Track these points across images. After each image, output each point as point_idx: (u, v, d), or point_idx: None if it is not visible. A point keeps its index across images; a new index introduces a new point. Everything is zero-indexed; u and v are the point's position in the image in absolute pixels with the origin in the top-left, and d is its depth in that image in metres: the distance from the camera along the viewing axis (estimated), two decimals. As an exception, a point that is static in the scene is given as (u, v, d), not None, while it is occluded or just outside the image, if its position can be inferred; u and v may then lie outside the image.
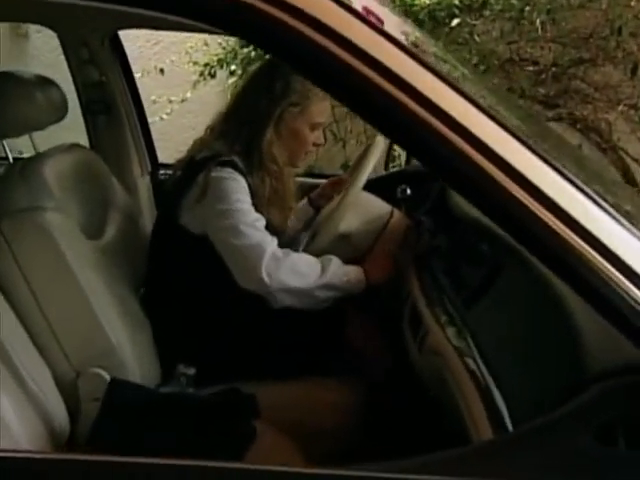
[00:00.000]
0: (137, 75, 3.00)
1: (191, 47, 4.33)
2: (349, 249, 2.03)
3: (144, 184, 2.80)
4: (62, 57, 2.71)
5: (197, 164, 1.95)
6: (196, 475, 0.95)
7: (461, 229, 1.82)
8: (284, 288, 1.86)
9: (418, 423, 1.82)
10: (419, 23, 3.46)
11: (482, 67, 3.66)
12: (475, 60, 3.66)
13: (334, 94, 1.04)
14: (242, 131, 1.99)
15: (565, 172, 0.98)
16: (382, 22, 1.07)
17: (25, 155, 2.37)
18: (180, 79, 4.41)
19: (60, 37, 2.67)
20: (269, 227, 1.93)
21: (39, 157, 1.98)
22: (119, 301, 1.83)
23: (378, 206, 2.16)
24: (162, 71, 4.37)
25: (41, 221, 1.69)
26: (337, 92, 1.01)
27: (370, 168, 2.04)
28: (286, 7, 0.93)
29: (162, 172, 2.86)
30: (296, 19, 0.94)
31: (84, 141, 2.70)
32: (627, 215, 1.02)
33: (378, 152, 2.13)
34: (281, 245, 1.92)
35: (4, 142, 2.53)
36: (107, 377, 1.68)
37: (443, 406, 1.46)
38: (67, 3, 2.08)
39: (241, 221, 1.86)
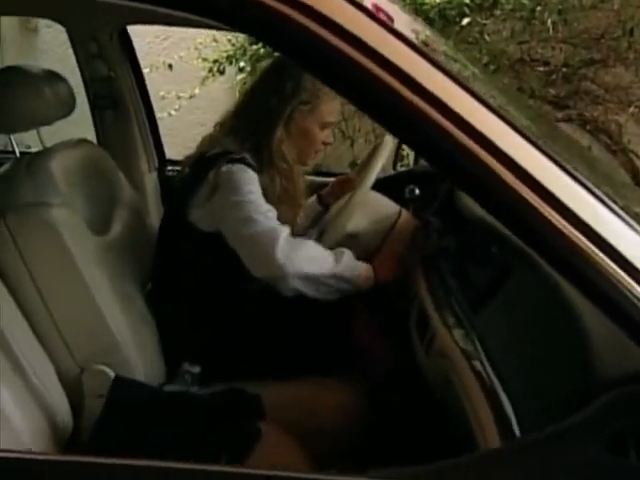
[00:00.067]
0: (145, 70, 2.99)
1: (200, 43, 4.32)
2: (357, 249, 2.02)
3: (151, 180, 2.80)
4: (71, 52, 2.71)
5: (207, 161, 1.94)
6: (198, 478, 0.94)
7: (469, 230, 1.80)
8: (297, 273, 1.83)
9: (423, 425, 1.81)
10: (429, 22, 3.44)
11: (492, 67, 3.65)
12: (485, 60, 3.65)
13: (342, 92, 1.03)
14: (252, 129, 1.99)
15: (575, 173, 0.97)
16: (392, 20, 1.06)
17: (32, 150, 2.36)
18: (189, 75, 4.41)
19: (69, 32, 2.67)
20: (278, 224, 1.92)
21: (46, 152, 1.97)
22: (124, 298, 1.83)
23: (386, 206, 2.15)
24: (171, 67, 4.36)
25: (47, 217, 1.69)
26: (345, 90, 1.00)
27: (379, 167, 2.04)
28: (295, 4, 0.92)
29: (169, 168, 2.86)
30: (305, 16, 0.93)
31: (92, 136, 2.70)
32: (637, 217, 1.00)
33: (387, 151, 2.12)
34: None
35: (11, 136, 2.52)
36: (111, 374, 1.68)
37: (449, 408, 1.45)
38: (76, -2, 2.08)
39: (253, 210, 1.85)
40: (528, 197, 0.93)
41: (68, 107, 1.97)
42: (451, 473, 0.90)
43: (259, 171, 1.94)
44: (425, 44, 1.30)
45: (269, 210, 1.88)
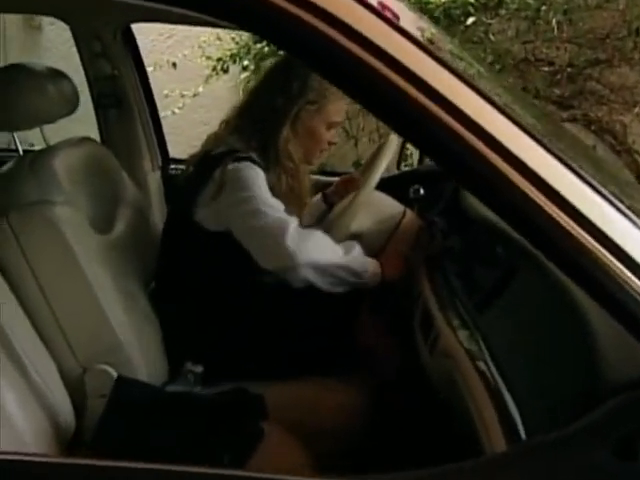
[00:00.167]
0: (149, 69, 2.98)
1: (204, 41, 4.32)
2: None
3: (155, 179, 2.80)
4: (75, 49, 2.70)
5: (213, 159, 1.94)
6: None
7: (474, 230, 1.80)
8: (307, 262, 1.83)
9: (426, 425, 1.80)
10: (434, 21, 3.43)
11: (497, 66, 3.64)
12: (490, 59, 3.64)
13: (346, 90, 1.02)
14: (258, 128, 1.98)
15: (581, 173, 0.96)
16: (397, 17, 1.05)
17: (36, 148, 2.36)
18: (192, 73, 4.41)
19: (73, 30, 2.66)
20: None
21: (49, 150, 1.97)
22: (127, 297, 1.82)
23: (390, 206, 2.15)
24: (174, 65, 4.36)
25: (50, 215, 1.68)
26: (350, 88, 1.00)
27: (383, 167, 2.03)
28: (299, 2, 0.92)
29: (173, 167, 2.85)
30: (309, 13, 0.92)
31: (95, 135, 2.69)
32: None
33: (391, 151, 2.12)
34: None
35: (15, 134, 2.52)
36: (114, 374, 1.68)
37: (453, 409, 1.44)
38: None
39: (261, 203, 1.85)
40: (535, 197, 0.92)
41: (71, 105, 1.97)
42: (456, 477, 0.89)
43: (265, 170, 1.93)
44: (431, 42, 1.29)
45: (277, 203, 1.88)
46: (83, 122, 2.46)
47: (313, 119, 2.01)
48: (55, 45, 4.88)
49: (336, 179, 2.39)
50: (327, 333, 1.99)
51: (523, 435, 1.05)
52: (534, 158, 0.94)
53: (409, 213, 2.13)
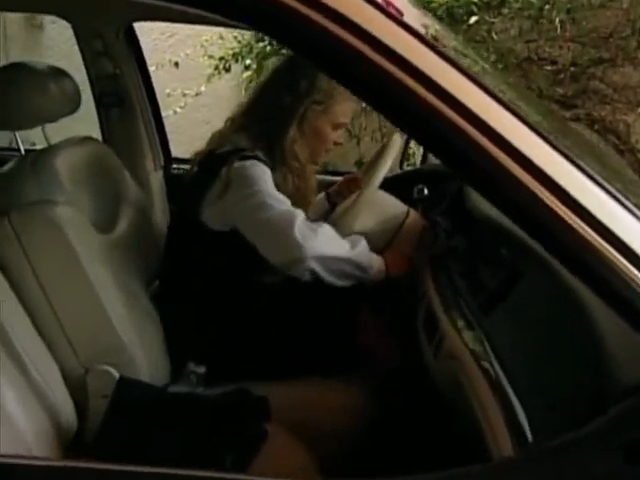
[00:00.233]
0: (151, 68, 2.97)
1: (206, 40, 4.31)
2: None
3: (157, 178, 2.79)
4: (77, 48, 2.70)
5: (218, 158, 1.93)
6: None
7: (478, 230, 1.79)
8: (314, 254, 1.82)
9: (428, 425, 1.79)
10: (437, 20, 3.42)
11: (500, 66, 3.63)
12: (493, 58, 3.64)
13: (351, 87, 1.01)
14: (264, 127, 1.98)
15: (588, 170, 0.95)
16: (402, 14, 1.04)
17: (37, 147, 2.35)
18: (195, 73, 4.40)
19: (75, 28, 2.66)
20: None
21: (51, 149, 1.96)
22: (129, 296, 1.81)
23: (394, 206, 2.14)
24: (177, 64, 4.35)
25: (51, 215, 1.67)
26: (354, 85, 0.99)
27: (387, 167, 2.03)
28: (309, 1, 0.91)
29: (175, 166, 2.85)
30: (313, 9, 0.91)
31: (97, 134, 2.68)
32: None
33: (395, 151, 2.11)
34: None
35: (16, 133, 2.52)
36: (116, 374, 1.67)
37: (457, 410, 1.43)
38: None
39: (267, 196, 1.85)
40: (541, 194, 0.91)
41: (73, 104, 1.96)
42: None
43: (271, 169, 1.93)
44: (435, 39, 1.28)
45: (283, 197, 1.88)
46: (85, 121, 2.45)
47: (319, 119, 2.00)
48: (57, 44, 4.87)
49: (338, 178, 2.38)
50: (328, 333, 1.98)
51: (530, 438, 1.04)
52: (540, 155, 0.94)
53: (412, 213, 2.12)
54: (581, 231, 0.91)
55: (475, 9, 3.66)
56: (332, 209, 2.27)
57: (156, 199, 2.70)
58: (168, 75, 4.23)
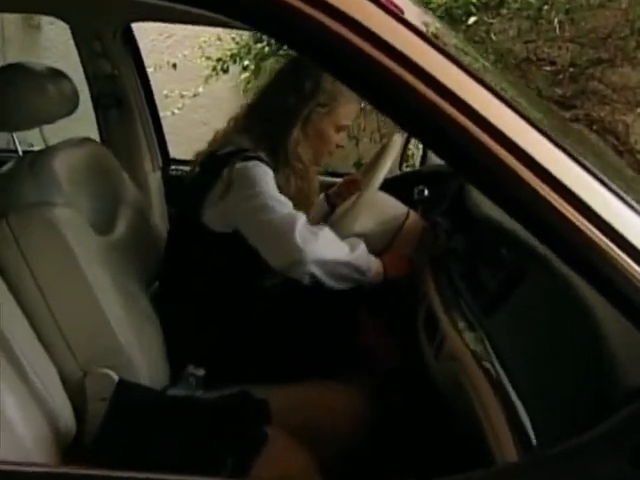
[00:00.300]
0: (149, 69, 2.97)
1: (204, 41, 4.32)
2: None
3: (155, 180, 2.78)
4: (74, 49, 2.69)
5: (220, 159, 1.93)
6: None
7: (479, 231, 1.78)
8: (315, 257, 1.82)
9: (428, 426, 1.79)
10: (436, 20, 3.42)
11: (499, 66, 3.63)
12: (492, 59, 3.63)
13: (351, 84, 1.00)
14: (267, 128, 1.98)
15: (590, 167, 0.94)
16: (402, 11, 1.04)
17: (35, 148, 2.35)
18: (192, 74, 4.40)
19: (72, 29, 2.65)
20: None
21: (49, 151, 1.95)
22: (128, 298, 1.80)
23: (394, 207, 2.14)
24: (174, 65, 4.36)
25: (50, 216, 1.66)
26: (354, 82, 0.98)
27: (387, 168, 2.02)
28: (312, 1, 0.90)
29: (173, 167, 2.84)
30: (313, 7, 0.91)
31: (95, 135, 2.68)
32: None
33: (394, 152, 2.11)
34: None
35: (14, 135, 2.51)
36: (115, 377, 1.66)
37: (458, 412, 1.43)
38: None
39: (269, 198, 1.85)
40: (543, 191, 0.91)
41: (71, 105, 1.95)
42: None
43: (274, 170, 1.93)
44: (436, 36, 1.28)
45: (285, 199, 1.88)
46: (83, 122, 2.44)
47: (323, 121, 2.00)
48: (54, 44, 4.86)
49: (338, 180, 2.38)
50: (328, 334, 1.98)
51: (533, 440, 1.03)
52: (542, 152, 0.93)
53: (412, 214, 2.12)
54: (584, 229, 0.90)
55: (474, 10, 3.66)
56: (332, 210, 2.27)
57: (154, 200, 2.69)
58: (166, 76, 4.23)
